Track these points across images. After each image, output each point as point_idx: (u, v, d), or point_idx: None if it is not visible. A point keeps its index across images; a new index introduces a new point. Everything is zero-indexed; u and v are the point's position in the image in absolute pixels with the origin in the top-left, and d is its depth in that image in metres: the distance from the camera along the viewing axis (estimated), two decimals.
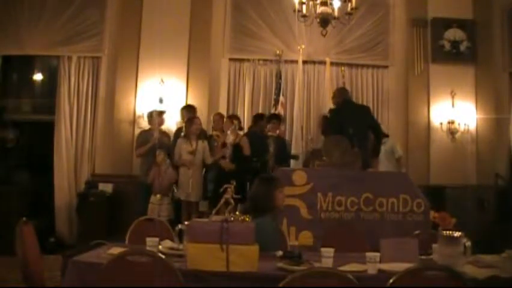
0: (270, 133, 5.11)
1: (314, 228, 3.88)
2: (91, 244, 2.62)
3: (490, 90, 6.35)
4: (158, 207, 4.75)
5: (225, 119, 5.30)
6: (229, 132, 4.98)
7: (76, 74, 6.21)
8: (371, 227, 3.83)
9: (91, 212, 5.56)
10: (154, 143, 5.07)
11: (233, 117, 5.32)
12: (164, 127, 5.61)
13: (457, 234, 2.24)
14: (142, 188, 5.04)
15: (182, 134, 5.10)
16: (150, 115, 5.49)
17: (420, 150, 6.24)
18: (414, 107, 6.39)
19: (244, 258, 2.09)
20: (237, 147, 4.95)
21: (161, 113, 5.32)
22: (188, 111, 5.43)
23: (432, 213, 3.96)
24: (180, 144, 5.01)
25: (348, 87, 6.46)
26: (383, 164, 5.46)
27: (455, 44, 6.35)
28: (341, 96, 4.88)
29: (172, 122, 5.84)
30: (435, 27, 6.37)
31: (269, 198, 2.61)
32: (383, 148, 5.39)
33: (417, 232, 3.14)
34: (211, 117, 5.50)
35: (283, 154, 5.23)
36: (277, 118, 5.52)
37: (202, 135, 5.11)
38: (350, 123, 4.52)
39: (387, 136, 5.60)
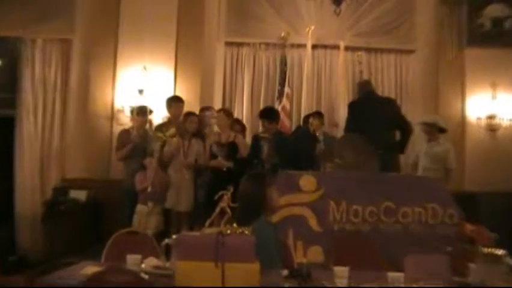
0: (261, 134, 5.08)
1: (325, 243, 3.89)
2: (60, 263, 2.63)
3: None
4: (146, 217, 4.76)
5: (216, 114, 5.32)
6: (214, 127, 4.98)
7: (41, 60, 6.22)
8: (393, 242, 3.85)
9: (61, 224, 5.57)
10: (133, 144, 5.10)
11: (226, 112, 5.33)
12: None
13: (499, 252, 2.24)
14: (126, 195, 5.05)
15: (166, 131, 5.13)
16: (131, 112, 5.51)
17: (453, 149, 6.23)
18: (446, 100, 6.41)
19: (243, 278, 2.11)
20: (232, 146, 4.96)
21: (142, 110, 5.33)
22: (179, 104, 5.45)
23: (467, 226, 3.97)
24: (172, 143, 5.03)
25: (366, 75, 6.50)
26: (425, 169, 5.23)
27: (497, 22, 6.30)
28: (362, 90, 4.94)
29: (157, 117, 5.85)
30: (473, 2, 6.34)
31: (259, 197, 2.60)
32: (433, 149, 5.25)
33: (449, 248, 3.15)
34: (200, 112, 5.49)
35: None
36: (266, 116, 5.40)
37: (198, 134, 5.14)
38: (367, 119, 4.54)
39: (444, 131, 5.29)
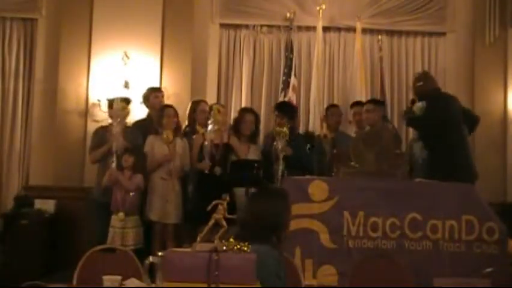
0: (277, 128, 5.10)
1: (339, 262, 3.93)
2: (22, 286, 2.65)
3: None
4: (120, 231, 4.76)
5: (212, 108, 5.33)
6: (209, 127, 4.95)
7: (0, 43, 6.25)
8: (420, 261, 3.88)
9: (23, 240, 5.58)
10: (112, 143, 5.08)
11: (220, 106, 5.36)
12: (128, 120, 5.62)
13: None
14: (99, 206, 5.05)
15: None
16: (110, 105, 5.49)
17: (493, 151, 6.26)
18: (484, 91, 6.42)
19: None
20: (226, 148, 4.97)
21: (124, 101, 5.32)
22: (157, 95, 5.47)
23: (511, 243, 3.98)
24: (152, 143, 5.03)
25: (387, 62, 6.50)
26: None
27: None
28: (433, 83, 5.02)
29: (141, 112, 5.86)
30: None
31: (279, 220, 2.63)
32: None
33: (489, 270, 3.17)
34: (190, 106, 5.50)
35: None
36: (281, 109, 5.45)
37: (179, 131, 5.14)
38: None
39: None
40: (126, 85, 5.83)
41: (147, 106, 5.57)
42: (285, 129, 4.89)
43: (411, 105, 5.17)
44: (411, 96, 6.50)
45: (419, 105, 4.87)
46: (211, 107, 5.23)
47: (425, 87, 4.99)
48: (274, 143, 4.89)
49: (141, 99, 5.77)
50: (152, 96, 5.49)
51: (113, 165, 4.84)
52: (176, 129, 5.10)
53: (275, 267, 2.44)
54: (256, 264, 2.22)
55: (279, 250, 2.66)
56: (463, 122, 4.93)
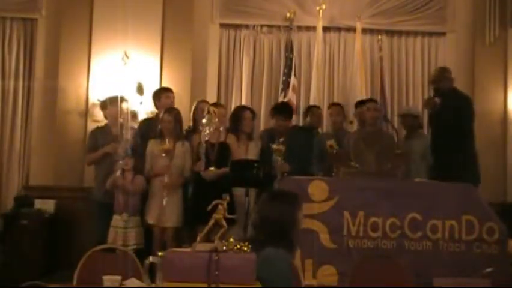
0: (275, 146, 5.08)
1: (339, 262, 3.94)
2: (22, 286, 2.65)
3: None
4: (122, 231, 4.75)
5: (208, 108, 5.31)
6: (206, 130, 4.91)
7: (0, 43, 6.25)
8: (420, 261, 3.88)
9: (23, 240, 5.58)
10: (113, 147, 5.06)
11: (218, 106, 5.34)
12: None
13: None
14: (100, 206, 5.04)
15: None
16: (103, 105, 5.47)
17: (493, 152, 6.24)
18: (484, 90, 6.42)
19: None
20: (222, 148, 4.94)
21: (116, 100, 5.29)
22: (168, 95, 5.44)
23: (511, 243, 3.98)
24: (152, 146, 4.99)
25: (387, 62, 6.49)
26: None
27: None
28: (449, 83, 5.04)
29: (141, 113, 5.86)
30: None
31: (293, 223, 2.63)
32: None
33: (489, 270, 3.17)
34: (194, 107, 5.50)
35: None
36: (281, 111, 5.44)
37: (181, 134, 5.10)
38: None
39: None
40: (140, 90, 5.79)
41: (157, 106, 5.50)
42: (281, 146, 4.85)
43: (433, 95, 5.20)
44: (411, 96, 6.58)
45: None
46: (208, 108, 5.21)
47: (441, 86, 5.02)
48: (273, 157, 4.87)
49: (143, 98, 5.79)
50: (164, 96, 5.41)
51: (118, 173, 4.82)
52: (177, 134, 5.04)
53: (286, 271, 2.44)
54: (267, 266, 2.23)
55: (291, 254, 2.66)
56: (472, 124, 4.94)
